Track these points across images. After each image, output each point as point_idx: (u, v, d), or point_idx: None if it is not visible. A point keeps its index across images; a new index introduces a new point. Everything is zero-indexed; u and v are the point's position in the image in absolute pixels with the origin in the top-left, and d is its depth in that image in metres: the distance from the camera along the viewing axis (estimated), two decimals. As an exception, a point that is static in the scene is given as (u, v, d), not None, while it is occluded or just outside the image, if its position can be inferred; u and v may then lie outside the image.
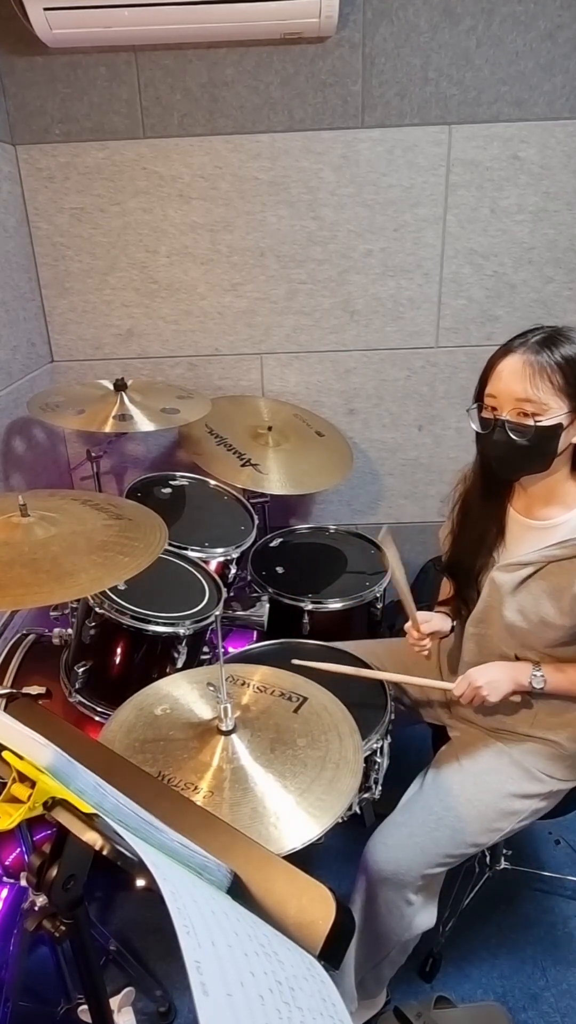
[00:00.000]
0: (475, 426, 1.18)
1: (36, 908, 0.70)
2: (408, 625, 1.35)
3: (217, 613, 1.43)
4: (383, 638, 1.81)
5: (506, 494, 1.29)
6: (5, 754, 0.63)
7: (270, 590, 1.74)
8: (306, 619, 1.70)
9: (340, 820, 0.97)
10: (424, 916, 1.28)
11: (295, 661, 1.33)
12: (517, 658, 1.27)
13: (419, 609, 1.35)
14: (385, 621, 1.84)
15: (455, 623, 1.41)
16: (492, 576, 1.26)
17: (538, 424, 1.10)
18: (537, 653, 1.25)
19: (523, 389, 1.09)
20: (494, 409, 1.14)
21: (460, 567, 1.34)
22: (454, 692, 1.25)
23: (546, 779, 1.28)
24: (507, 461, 1.16)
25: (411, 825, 1.24)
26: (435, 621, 1.37)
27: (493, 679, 1.22)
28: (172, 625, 1.36)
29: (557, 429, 1.10)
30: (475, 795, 1.25)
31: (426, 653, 1.34)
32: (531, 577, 1.21)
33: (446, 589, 1.45)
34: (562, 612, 1.18)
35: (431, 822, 1.23)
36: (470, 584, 1.32)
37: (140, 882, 0.56)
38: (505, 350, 1.14)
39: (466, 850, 1.25)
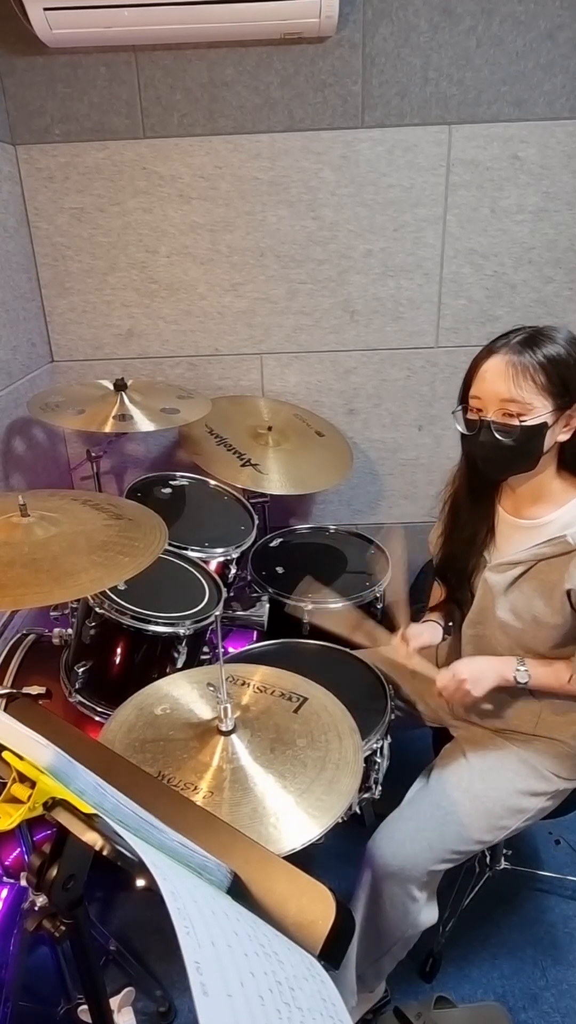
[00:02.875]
0: (460, 428, 1.19)
1: (36, 908, 0.69)
2: (396, 639, 1.35)
3: (217, 613, 1.43)
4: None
5: (494, 494, 1.30)
6: (5, 754, 0.63)
7: (270, 590, 1.74)
8: (306, 619, 1.70)
9: (340, 820, 0.97)
10: (428, 912, 1.28)
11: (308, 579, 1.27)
12: None
13: (414, 609, 1.35)
14: (385, 621, 1.84)
15: (448, 627, 1.41)
16: (485, 576, 1.26)
17: (523, 424, 1.10)
18: (536, 655, 1.25)
19: (507, 389, 1.10)
20: (479, 410, 1.15)
21: (452, 568, 1.34)
22: (438, 683, 1.24)
23: (553, 778, 1.29)
24: (494, 461, 1.16)
25: (419, 819, 1.24)
26: (426, 635, 1.37)
27: (477, 672, 1.22)
28: (172, 625, 1.36)
29: (542, 428, 1.11)
30: (483, 791, 1.26)
31: (412, 665, 1.33)
32: (522, 576, 1.21)
33: (437, 594, 1.45)
34: (553, 610, 1.18)
35: (439, 817, 1.23)
36: (463, 586, 1.33)
37: (140, 882, 0.56)
38: (488, 351, 1.15)
39: (472, 847, 1.25)
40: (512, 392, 1.09)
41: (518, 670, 1.21)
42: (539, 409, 1.10)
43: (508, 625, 1.24)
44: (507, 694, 1.30)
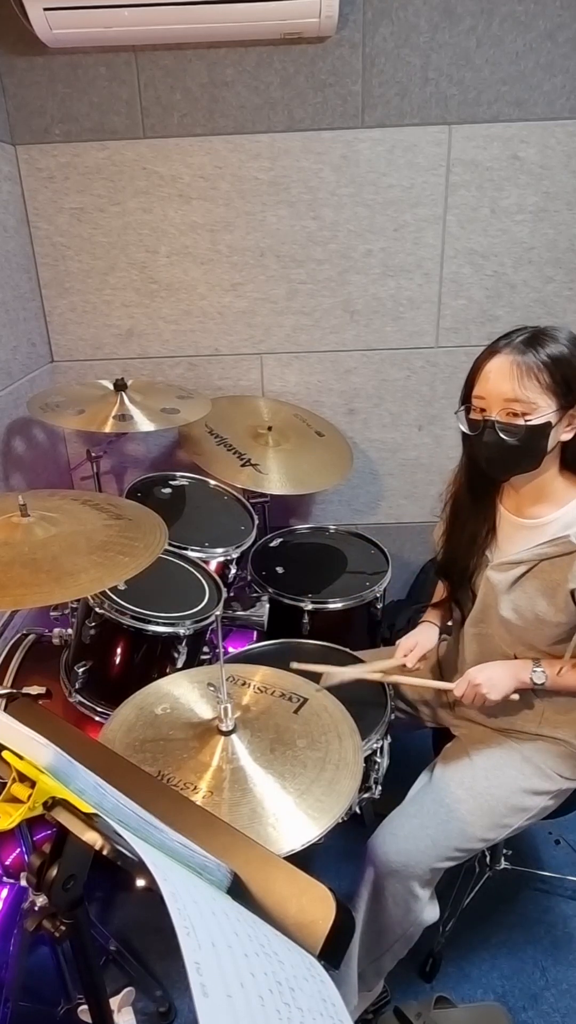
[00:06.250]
0: (464, 428, 1.19)
1: (36, 908, 0.69)
2: (393, 663, 1.37)
3: (217, 613, 1.43)
4: (381, 644, 1.81)
5: (495, 493, 1.30)
6: (5, 754, 0.63)
7: (270, 590, 1.74)
8: (306, 619, 1.70)
9: (340, 821, 0.97)
10: (430, 910, 1.28)
11: (294, 665, 1.32)
12: (516, 657, 1.27)
13: (414, 608, 1.35)
14: (385, 621, 1.84)
15: (448, 626, 1.41)
16: (487, 575, 1.26)
17: (528, 423, 1.10)
18: (537, 651, 1.25)
19: (512, 389, 1.10)
20: (483, 410, 1.15)
21: (454, 567, 1.34)
22: (455, 692, 1.25)
23: (556, 777, 1.29)
24: (498, 461, 1.16)
25: (422, 816, 1.24)
26: (421, 643, 1.38)
27: (493, 677, 1.21)
28: (172, 625, 1.36)
29: (546, 428, 1.11)
30: (486, 789, 1.26)
31: (418, 668, 1.36)
32: (525, 575, 1.21)
33: (440, 591, 1.45)
34: (557, 609, 1.18)
35: (442, 814, 1.23)
36: (464, 585, 1.33)
37: (140, 882, 0.56)
38: (491, 351, 1.15)
39: (474, 845, 1.25)
40: (517, 392, 1.10)
41: (535, 671, 1.21)
42: (543, 409, 1.10)
43: (510, 623, 1.24)
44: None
